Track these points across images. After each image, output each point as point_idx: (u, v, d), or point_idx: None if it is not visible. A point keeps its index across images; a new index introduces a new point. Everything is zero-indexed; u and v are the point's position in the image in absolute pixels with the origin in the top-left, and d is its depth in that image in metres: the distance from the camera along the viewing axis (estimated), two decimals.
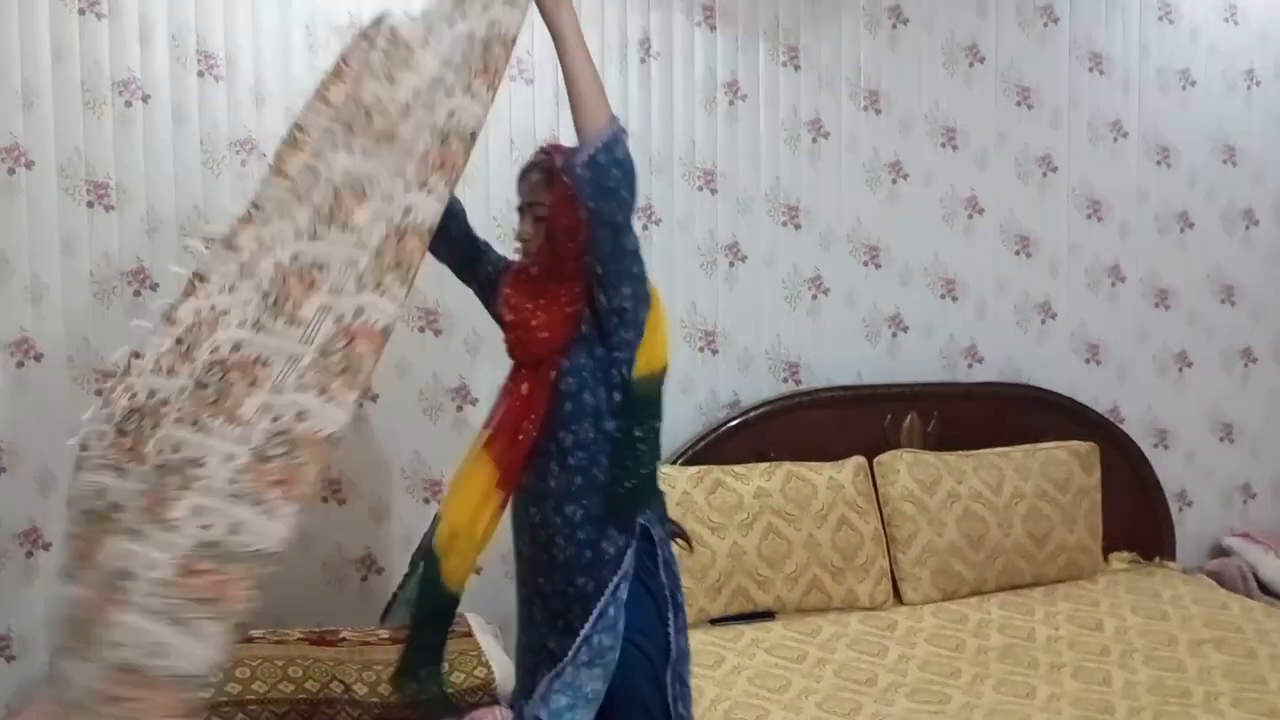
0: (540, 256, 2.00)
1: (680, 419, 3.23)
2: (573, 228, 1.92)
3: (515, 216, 2.09)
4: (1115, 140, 3.67)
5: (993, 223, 3.58)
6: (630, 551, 1.96)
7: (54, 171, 2.78)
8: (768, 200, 3.36)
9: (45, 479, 2.81)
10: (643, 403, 1.98)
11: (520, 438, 1.97)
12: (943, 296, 3.55)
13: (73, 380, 2.82)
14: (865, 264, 3.47)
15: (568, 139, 3.10)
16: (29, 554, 2.82)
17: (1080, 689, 2.58)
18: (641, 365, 1.97)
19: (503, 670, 2.60)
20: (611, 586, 1.94)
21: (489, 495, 1.97)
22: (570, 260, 1.95)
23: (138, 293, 2.85)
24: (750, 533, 3.03)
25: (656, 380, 2.00)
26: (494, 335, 3.05)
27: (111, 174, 2.82)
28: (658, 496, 2.07)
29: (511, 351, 2.07)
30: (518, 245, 2.07)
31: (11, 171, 2.75)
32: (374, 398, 3.04)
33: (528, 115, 3.12)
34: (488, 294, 2.16)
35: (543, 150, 2.10)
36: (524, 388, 1.99)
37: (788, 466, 3.14)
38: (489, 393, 3.09)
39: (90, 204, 2.81)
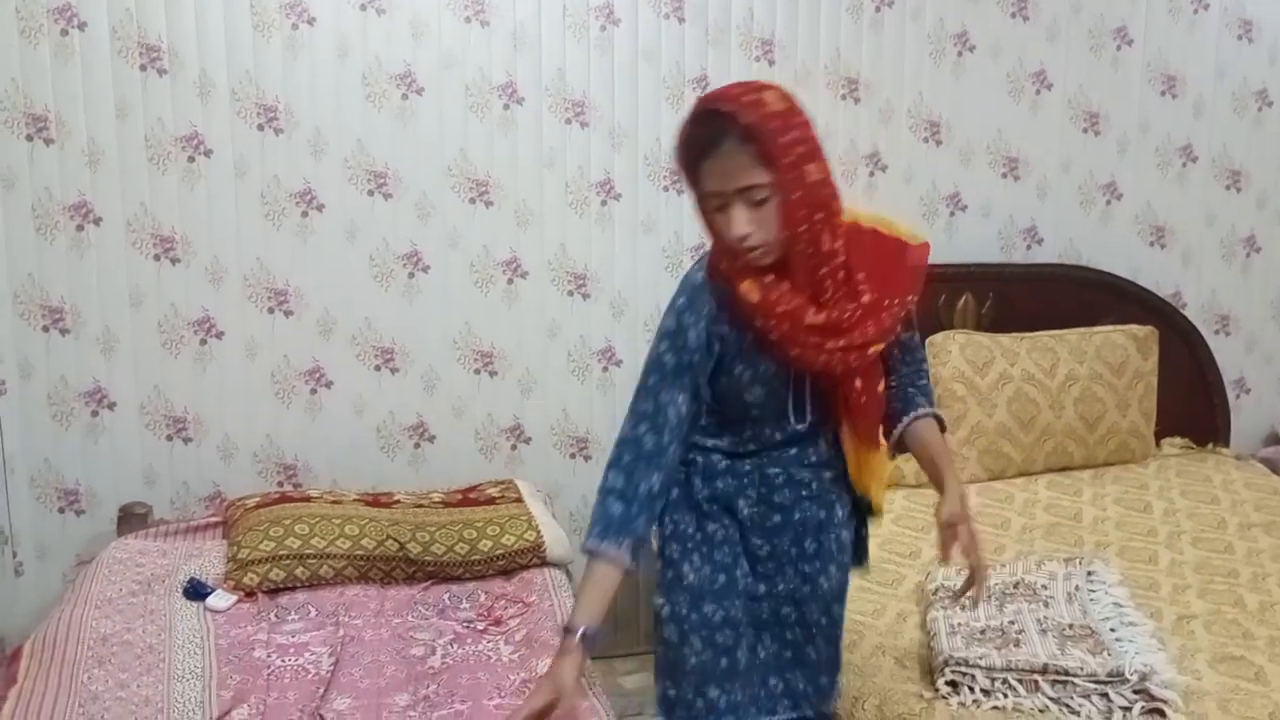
0: (794, 244, 1.63)
1: None
2: (821, 192, 1.61)
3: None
4: (1196, 12, 3.49)
5: (1060, 98, 3.45)
6: None
7: (107, 33, 2.76)
8: (827, 72, 3.26)
9: (107, 340, 2.87)
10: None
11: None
12: (1004, 175, 3.45)
13: (131, 245, 2.86)
14: (925, 140, 3.37)
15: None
16: (94, 413, 2.90)
17: (1125, 566, 2.58)
18: None
19: (551, 534, 2.68)
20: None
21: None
22: (811, 243, 1.63)
23: (192, 158, 2.86)
24: None
25: None
26: (541, 209, 3.07)
27: (163, 36, 2.80)
28: None
29: (825, 370, 1.74)
30: (739, 245, 1.63)
31: (65, 33, 2.74)
32: (425, 269, 3.05)
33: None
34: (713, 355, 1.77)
35: (710, 111, 1.60)
36: (858, 383, 1.78)
37: None
38: (539, 264, 3.11)
39: (143, 67, 2.80)
